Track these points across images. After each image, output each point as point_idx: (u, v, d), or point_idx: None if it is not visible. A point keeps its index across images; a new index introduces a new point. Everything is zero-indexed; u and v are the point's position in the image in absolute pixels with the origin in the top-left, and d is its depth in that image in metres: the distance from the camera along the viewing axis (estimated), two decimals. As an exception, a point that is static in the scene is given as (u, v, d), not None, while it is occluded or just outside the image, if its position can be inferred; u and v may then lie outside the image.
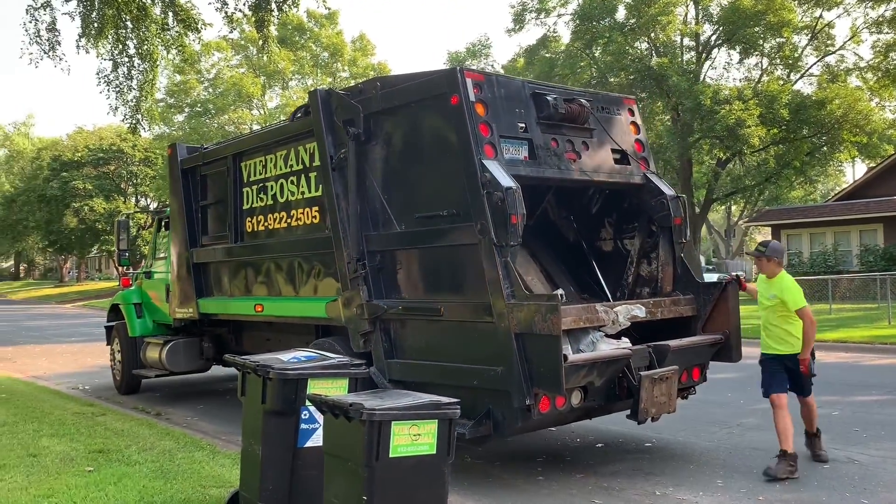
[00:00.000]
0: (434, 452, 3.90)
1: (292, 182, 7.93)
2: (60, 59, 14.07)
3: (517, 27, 33.41)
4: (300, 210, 7.86)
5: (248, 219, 8.69)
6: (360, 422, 3.77)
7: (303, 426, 4.67)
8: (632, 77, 29.04)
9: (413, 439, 3.85)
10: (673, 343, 6.35)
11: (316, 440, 4.66)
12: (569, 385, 5.52)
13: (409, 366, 6.42)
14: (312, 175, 7.60)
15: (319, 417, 4.63)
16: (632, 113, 7.42)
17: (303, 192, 7.80)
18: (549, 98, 6.52)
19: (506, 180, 5.75)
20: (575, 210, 7.68)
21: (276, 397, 4.61)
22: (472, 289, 5.92)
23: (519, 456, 7.11)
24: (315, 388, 4.65)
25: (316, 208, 7.60)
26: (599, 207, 7.53)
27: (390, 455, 3.80)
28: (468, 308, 5.93)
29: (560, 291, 6.72)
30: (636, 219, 7.26)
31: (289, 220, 8.03)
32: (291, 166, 7.94)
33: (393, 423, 3.80)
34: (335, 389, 4.71)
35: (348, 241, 6.81)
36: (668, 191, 7.03)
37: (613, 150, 7.02)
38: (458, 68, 6.16)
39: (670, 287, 6.97)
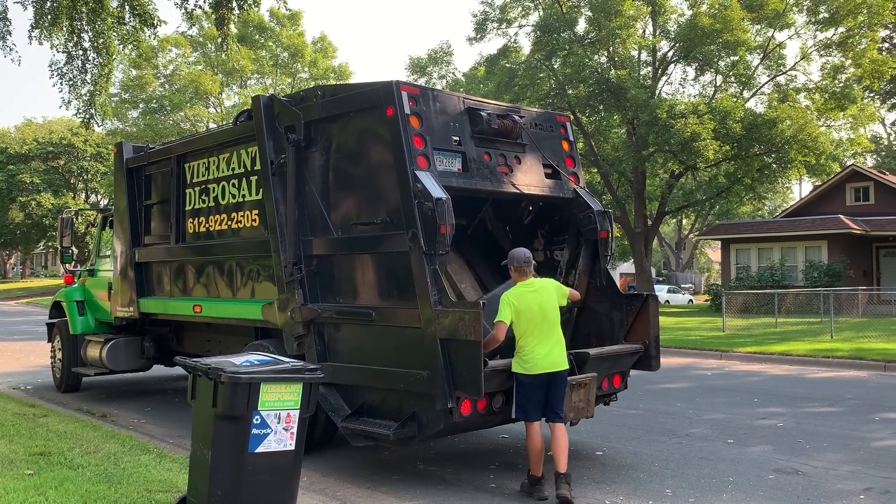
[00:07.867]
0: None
1: (234, 185, 7.96)
2: (11, 50, 13.65)
3: (478, 36, 33.52)
4: (240, 213, 7.88)
5: (190, 220, 8.68)
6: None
7: (254, 431, 4.58)
8: (590, 89, 29.37)
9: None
10: (593, 351, 6.57)
11: (267, 445, 4.59)
12: (489, 389, 5.71)
13: (341, 368, 6.53)
14: (253, 179, 7.63)
15: (272, 422, 4.58)
16: (564, 130, 7.68)
17: (244, 196, 7.83)
18: (482, 113, 6.73)
19: (436, 191, 5.89)
20: (510, 221, 7.88)
21: (227, 401, 4.52)
22: (403, 295, 6.09)
23: (472, 463, 7.10)
24: (268, 392, 4.59)
25: (256, 212, 7.62)
26: (532, 219, 7.74)
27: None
28: (398, 313, 6.10)
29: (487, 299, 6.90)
30: (566, 231, 7.47)
31: (229, 223, 8.07)
32: (233, 169, 7.96)
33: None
34: (289, 394, 4.65)
35: (286, 246, 6.88)
36: (596, 206, 7.29)
37: (545, 165, 7.25)
38: (394, 81, 6.27)
39: (584, 296, 7.15)
